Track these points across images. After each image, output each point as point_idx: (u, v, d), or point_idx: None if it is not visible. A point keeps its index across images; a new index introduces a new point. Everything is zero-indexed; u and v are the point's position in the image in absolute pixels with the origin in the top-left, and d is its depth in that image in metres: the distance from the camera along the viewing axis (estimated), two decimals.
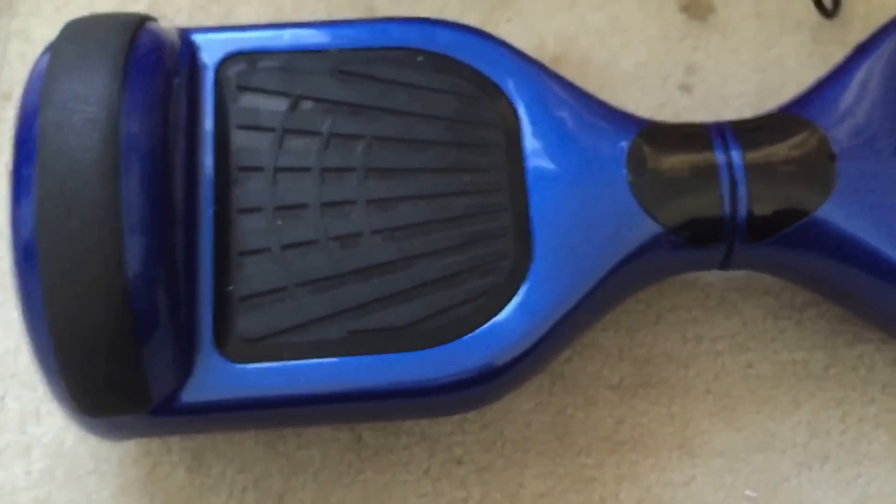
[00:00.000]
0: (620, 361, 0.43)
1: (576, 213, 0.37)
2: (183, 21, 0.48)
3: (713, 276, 0.45)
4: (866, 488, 0.41)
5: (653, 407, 0.42)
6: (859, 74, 0.38)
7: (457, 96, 0.38)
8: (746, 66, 0.49)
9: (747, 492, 0.41)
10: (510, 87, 0.39)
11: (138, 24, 0.36)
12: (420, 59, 0.39)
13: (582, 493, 0.41)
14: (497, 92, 0.39)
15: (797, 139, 0.38)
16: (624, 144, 0.38)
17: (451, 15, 0.50)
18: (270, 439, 0.42)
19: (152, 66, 0.35)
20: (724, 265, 0.39)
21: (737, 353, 0.43)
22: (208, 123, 0.37)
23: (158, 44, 0.36)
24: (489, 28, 0.50)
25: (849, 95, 0.38)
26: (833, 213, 0.37)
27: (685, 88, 0.49)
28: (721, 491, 0.41)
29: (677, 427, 0.42)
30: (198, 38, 0.39)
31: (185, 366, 0.34)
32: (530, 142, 0.38)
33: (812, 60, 0.48)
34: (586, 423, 0.42)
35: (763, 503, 0.41)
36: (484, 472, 0.42)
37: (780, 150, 0.37)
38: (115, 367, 0.32)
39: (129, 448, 0.42)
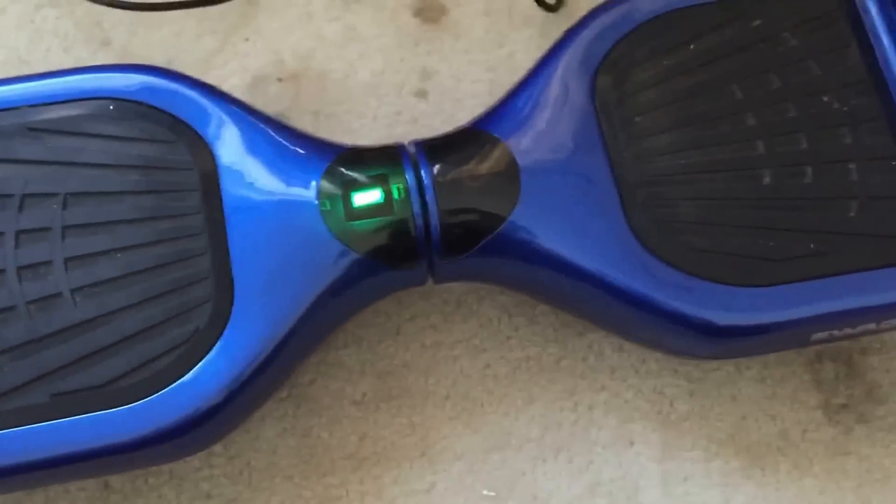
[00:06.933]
0: (363, 376, 0.44)
1: (274, 248, 0.37)
2: None
3: (451, 283, 0.46)
4: (598, 474, 0.43)
5: (395, 419, 0.44)
6: (539, 85, 0.40)
7: (150, 143, 0.38)
8: (479, 66, 0.50)
9: (485, 491, 0.43)
10: (205, 127, 0.39)
11: None
12: (111, 107, 0.39)
13: None
14: (192, 134, 0.39)
15: (483, 154, 0.39)
16: (318, 173, 0.38)
17: (188, 39, 0.49)
18: (17, 498, 0.42)
19: None
20: (436, 280, 0.40)
21: (474, 355, 0.45)
22: None
23: None
24: (228, 49, 0.50)
25: (529, 106, 0.39)
26: (521, 222, 0.38)
27: (421, 94, 0.50)
28: (461, 494, 0.43)
29: (418, 436, 0.43)
30: None
31: None
32: (227, 182, 0.38)
33: (541, 55, 0.49)
34: (331, 442, 0.43)
35: (501, 501, 0.43)
36: None
37: (467, 166, 0.39)
38: None
39: None
